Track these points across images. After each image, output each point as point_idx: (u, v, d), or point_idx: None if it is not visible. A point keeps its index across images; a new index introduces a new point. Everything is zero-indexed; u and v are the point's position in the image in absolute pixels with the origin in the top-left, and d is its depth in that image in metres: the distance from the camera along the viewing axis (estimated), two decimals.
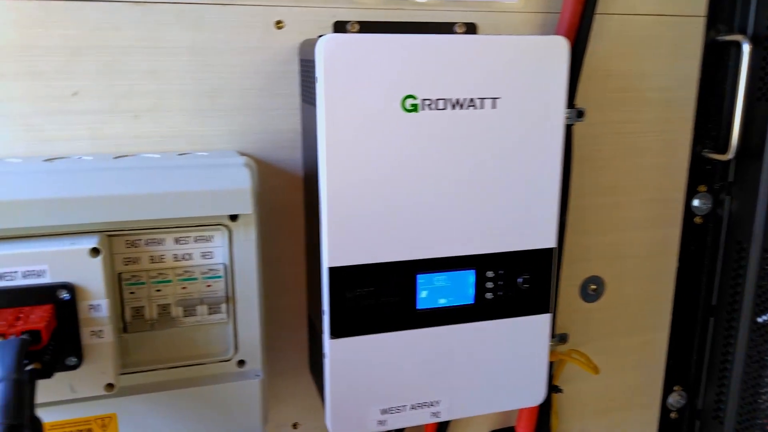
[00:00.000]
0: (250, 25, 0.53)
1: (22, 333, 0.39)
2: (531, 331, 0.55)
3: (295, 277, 0.59)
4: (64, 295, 0.42)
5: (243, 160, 0.48)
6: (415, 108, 0.47)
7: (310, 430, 0.65)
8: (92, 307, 0.43)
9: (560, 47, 0.49)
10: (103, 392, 0.45)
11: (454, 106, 0.48)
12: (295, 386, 0.62)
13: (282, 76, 0.55)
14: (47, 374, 0.41)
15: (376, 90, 0.46)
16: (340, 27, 0.55)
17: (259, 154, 0.55)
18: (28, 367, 0.38)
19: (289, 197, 0.57)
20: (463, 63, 0.48)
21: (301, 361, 0.62)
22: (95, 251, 0.43)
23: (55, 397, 0.44)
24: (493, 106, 0.49)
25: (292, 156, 0.57)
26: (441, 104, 0.48)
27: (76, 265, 0.42)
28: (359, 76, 0.46)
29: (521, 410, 0.68)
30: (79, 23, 0.49)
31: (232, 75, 0.53)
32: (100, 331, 0.44)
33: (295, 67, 0.55)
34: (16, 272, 0.41)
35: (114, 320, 0.45)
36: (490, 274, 0.53)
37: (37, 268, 0.41)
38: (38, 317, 0.40)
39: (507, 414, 0.71)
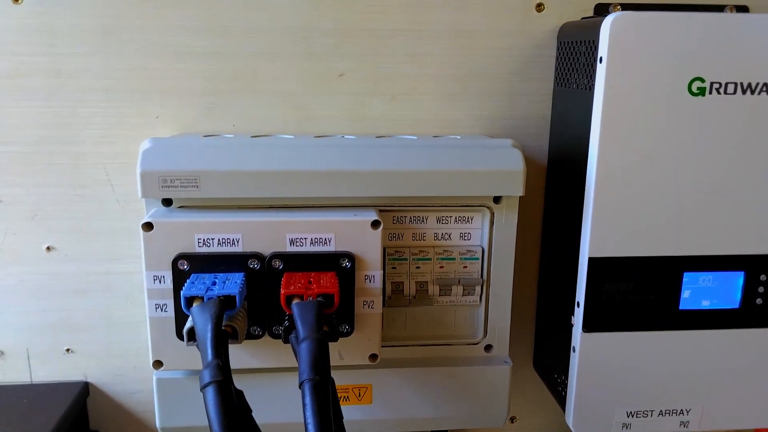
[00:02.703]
0: (512, 8, 0.52)
1: (318, 296, 0.41)
2: None
3: (527, 268, 0.58)
4: (346, 263, 0.44)
5: (510, 141, 0.47)
6: (702, 92, 0.44)
7: (527, 426, 0.63)
8: (368, 277, 0.44)
9: None
10: (368, 362, 0.46)
11: (744, 91, 0.44)
12: (514, 379, 0.61)
13: (536, 60, 0.54)
14: (333, 338, 0.42)
15: (662, 71, 0.44)
16: (601, 9, 0.53)
17: None
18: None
19: (529, 186, 0.56)
20: (759, 44, 0.44)
21: (524, 355, 0.61)
22: (376, 223, 0.44)
23: None
24: None
25: (537, 143, 0.55)
26: (731, 89, 0.44)
27: (359, 236, 0.44)
28: (645, 56, 0.43)
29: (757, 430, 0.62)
30: (351, 6, 0.51)
31: (487, 59, 0.53)
32: (372, 301, 0.45)
33: (550, 51, 0.53)
34: (305, 239, 0.43)
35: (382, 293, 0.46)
36: (762, 277, 0.48)
37: (324, 236, 0.43)
38: (328, 282, 0.42)
39: None
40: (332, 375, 0.47)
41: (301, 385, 0.36)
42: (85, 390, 0.58)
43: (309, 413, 0.34)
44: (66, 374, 0.58)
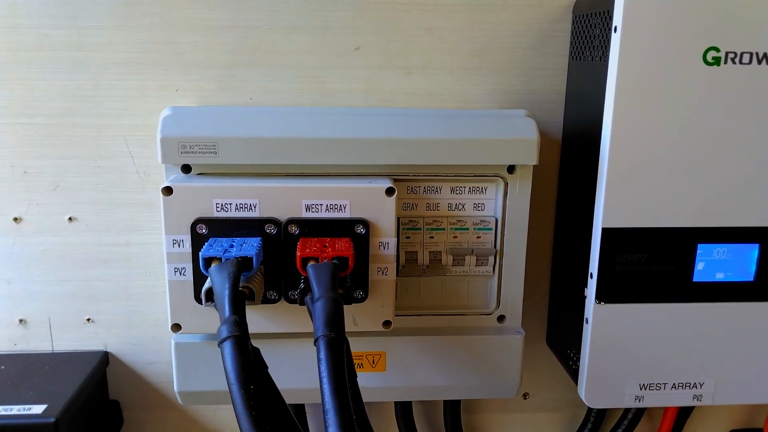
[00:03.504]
0: None
1: (333, 258, 0.41)
2: None
3: (542, 244, 0.58)
4: (361, 229, 0.44)
5: (525, 111, 0.48)
6: (717, 62, 0.44)
7: (540, 401, 0.63)
8: (382, 244, 0.45)
9: None
10: (381, 329, 0.47)
11: (760, 61, 0.44)
12: (527, 356, 0.61)
13: (551, 35, 0.54)
14: (347, 301, 0.43)
15: (677, 40, 0.44)
16: None
17: None
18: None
19: (543, 161, 0.56)
20: None
21: (537, 331, 0.61)
22: (390, 191, 0.44)
23: None
24: None
25: (552, 117, 0.56)
26: (746, 58, 0.44)
27: (373, 203, 0.44)
28: (660, 25, 0.43)
29: None
30: None
31: (502, 33, 0.54)
32: (386, 268, 0.46)
33: (565, 26, 0.54)
34: (321, 205, 0.44)
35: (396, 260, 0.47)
36: None
37: (340, 202, 0.44)
38: (343, 246, 0.43)
39: (752, 413, 0.65)
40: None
41: (316, 341, 0.37)
42: (104, 359, 0.59)
43: (323, 367, 0.35)
44: (86, 344, 0.59)
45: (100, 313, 0.58)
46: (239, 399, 0.34)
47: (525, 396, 0.63)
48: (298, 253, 0.42)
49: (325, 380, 0.35)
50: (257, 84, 0.54)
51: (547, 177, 0.57)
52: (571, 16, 0.53)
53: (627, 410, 0.61)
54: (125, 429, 0.61)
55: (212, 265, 0.40)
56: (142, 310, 0.58)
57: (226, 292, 0.38)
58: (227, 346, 0.36)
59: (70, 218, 0.55)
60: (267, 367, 0.39)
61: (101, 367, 0.58)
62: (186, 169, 0.46)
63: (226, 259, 0.40)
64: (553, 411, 0.64)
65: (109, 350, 0.59)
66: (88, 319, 0.58)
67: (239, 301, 0.39)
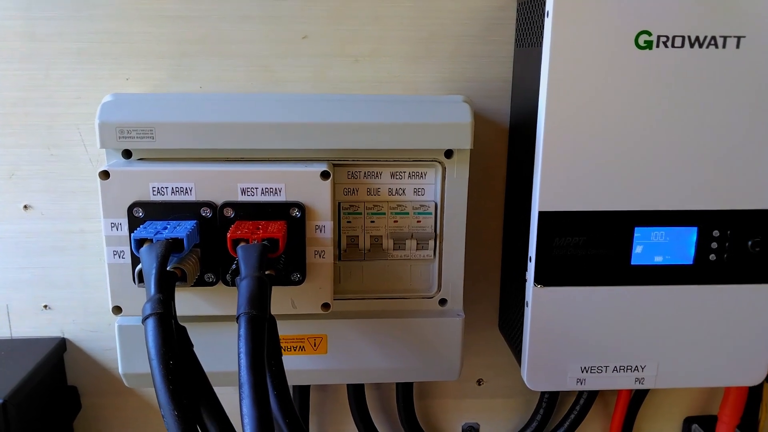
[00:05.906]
0: None
1: (263, 240, 0.42)
2: (757, 302, 0.50)
3: (492, 232, 0.59)
4: (296, 213, 0.45)
5: (461, 97, 0.48)
6: (649, 45, 0.45)
7: (494, 387, 0.64)
8: (318, 227, 0.46)
9: None
10: (320, 311, 0.47)
11: (692, 45, 0.45)
12: (481, 342, 0.62)
13: (497, 23, 0.54)
14: (281, 282, 0.44)
15: (608, 25, 0.44)
16: None
17: None
18: (266, 272, 0.41)
19: (492, 149, 0.57)
20: None
21: (490, 318, 0.61)
22: (326, 174, 0.45)
23: (278, 311, 0.47)
24: (737, 46, 0.45)
25: (499, 105, 0.56)
26: (678, 42, 0.45)
27: (308, 186, 0.45)
28: (592, 10, 0.44)
29: (726, 396, 0.62)
30: None
31: (448, 21, 0.54)
32: (323, 251, 0.46)
33: (510, 14, 0.54)
34: (256, 188, 0.45)
35: (334, 244, 0.47)
36: (715, 233, 0.49)
37: (275, 186, 0.45)
38: (275, 228, 0.43)
39: (706, 400, 0.66)
40: (287, 324, 0.49)
41: (237, 319, 0.37)
42: (62, 345, 0.60)
43: (242, 344, 0.36)
44: (44, 330, 0.60)
45: (57, 299, 0.59)
46: (158, 373, 0.35)
47: (479, 382, 0.63)
48: (229, 235, 0.42)
49: (242, 356, 0.35)
50: (207, 73, 0.54)
51: (496, 163, 0.57)
52: (516, 3, 0.54)
53: (579, 396, 0.61)
54: (83, 414, 0.62)
55: (143, 246, 0.41)
56: (98, 296, 0.59)
57: (153, 272, 0.39)
58: (149, 323, 0.37)
59: (25, 206, 0.56)
60: (192, 345, 0.39)
61: (57, 352, 0.59)
62: (126, 154, 0.47)
63: (157, 241, 0.41)
64: (507, 397, 0.64)
65: (66, 336, 0.60)
66: (46, 306, 0.59)
67: (166, 280, 0.39)
